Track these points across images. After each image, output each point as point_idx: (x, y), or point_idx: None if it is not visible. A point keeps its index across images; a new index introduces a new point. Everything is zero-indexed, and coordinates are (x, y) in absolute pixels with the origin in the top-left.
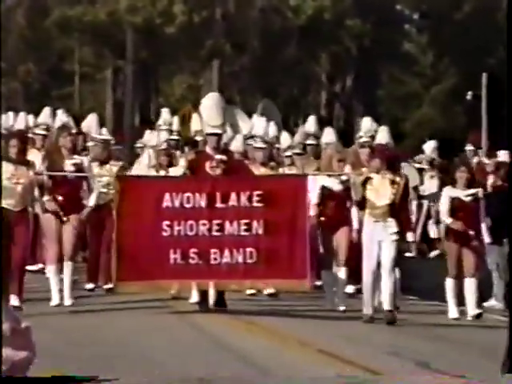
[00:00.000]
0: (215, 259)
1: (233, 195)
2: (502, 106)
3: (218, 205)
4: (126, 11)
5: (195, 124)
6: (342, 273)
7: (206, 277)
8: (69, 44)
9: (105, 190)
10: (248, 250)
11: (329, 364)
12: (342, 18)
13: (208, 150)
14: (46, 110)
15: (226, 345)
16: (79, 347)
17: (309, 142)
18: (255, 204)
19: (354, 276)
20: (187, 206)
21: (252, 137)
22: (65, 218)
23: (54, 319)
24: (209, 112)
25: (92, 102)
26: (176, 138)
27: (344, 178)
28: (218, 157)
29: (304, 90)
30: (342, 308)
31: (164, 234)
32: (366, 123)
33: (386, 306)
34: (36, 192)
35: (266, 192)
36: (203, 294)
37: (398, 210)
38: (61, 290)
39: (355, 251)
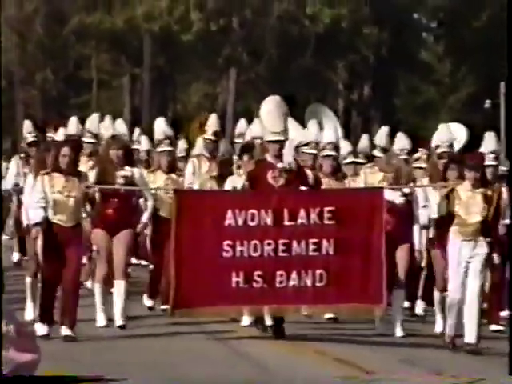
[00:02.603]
0: (281, 282)
1: (302, 212)
2: None
3: (286, 222)
4: (143, 18)
5: (255, 129)
6: (401, 296)
7: (271, 302)
8: (86, 51)
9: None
10: (317, 272)
11: None
12: (359, 27)
13: (269, 158)
14: (95, 117)
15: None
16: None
17: (375, 153)
18: (326, 221)
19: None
20: (251, 223)
21: (306, 144)
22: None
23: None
24: (270, 117)
25: (109, 110)
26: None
27: (407, 190)
28: (280, 165)
29: (321, 98)
30: (399, 334)
31: (225, 254)
32: (443, 130)
33: (469, 338)
34: (88, 207)
35: (338, 208)
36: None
37: (490, 228)
38: (106, 310)
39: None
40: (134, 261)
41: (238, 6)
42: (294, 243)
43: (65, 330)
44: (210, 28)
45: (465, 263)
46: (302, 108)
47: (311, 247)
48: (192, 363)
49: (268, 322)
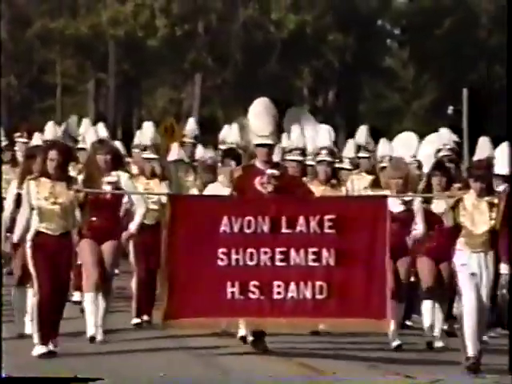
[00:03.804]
0: (279, 294)
1: (301, 219)
2: (483, 120)
3: (284, 230)
4: (108, 24)
5: (232, 134)
6: (400, 309)
7: (268, 314)
8: (50, 56)
9: (156, 207)
10: (317, 283)
11: None
12: (324, 33)
13: (257, 163)
14: (73, 120)
15: None
16: None
17: (360, 154)
18: (326, 230)
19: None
20: (248, 231)
21: (291, 150)
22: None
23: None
24: (257, 120)
25: (74, 115)
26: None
27: (407, 198)
28: (270, 171)
29: (286, 103)
30: (394, 343)
31: (220, 263)
32: (444, 134)
33: (471, 350)
34: (77, 213)
35: (339, 216)
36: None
37: (498, 237)
38: (96, 321)
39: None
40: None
41: (203, 11)
42: (293, 252)
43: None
44: (175, 33)
45: (475, 276)
46: None
47: (310, 257)
48: (173, 379)
49: (243, 331)
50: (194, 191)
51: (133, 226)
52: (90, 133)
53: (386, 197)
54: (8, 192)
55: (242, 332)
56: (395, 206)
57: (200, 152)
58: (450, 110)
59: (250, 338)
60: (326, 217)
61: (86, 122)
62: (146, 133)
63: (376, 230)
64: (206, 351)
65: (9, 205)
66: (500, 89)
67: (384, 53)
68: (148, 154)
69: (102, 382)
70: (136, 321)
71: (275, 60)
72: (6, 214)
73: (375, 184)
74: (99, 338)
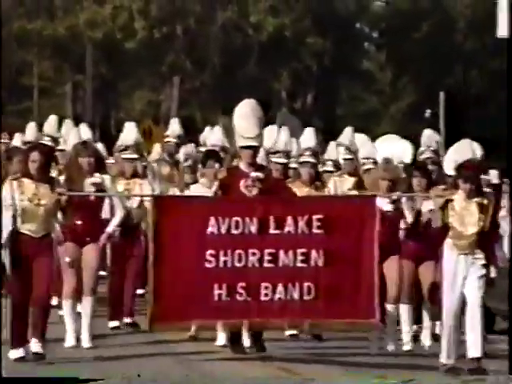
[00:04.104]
0: (266, 295)
1: (289, 220)
2: (460, 124)
3: (272, 231)
4: (86, 26)
5: (215, 136)
6: (393, 311)
7: (255, 316)
8: (28, 58)
9: (135, 208)
10: (305, 284)
11: None
12: (303, 36)
13: (242, 165)
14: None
15: None
16: None
17: (343, 156)
18: (315, 230)
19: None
20: (235, 232)
21: (276, 152)
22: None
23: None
24: (243, 121)
25: (53, 115)
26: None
27: (395, 197)
28: (254, 174)
29: (265, 106)
30: (391, 347)
31: (207, 265)
32: (428, 135)
33: (473, 352)
34: (59, 215)
35: (328, 216)
36: (235, 333)
37: (486, 239)
38: (77, 329)
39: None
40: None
41: (182, 14)
42: (281, 253)
43: (35, 346)
44: (153, 36)
45: (462, 278)
46: None
47: (299, 258)
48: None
49: (222, 340)
50: (176, 191)
51: (109, 229)
52: (72, 134)
53: (374, 196)
54: None
55: (220, 341)
56: (384, 205)
57: (183, 152)
58: (428, 113)
59: (222, 342)
60: (315, 217)
61: (67, 123)
62: (127, 133)
63: (365, 230)
64: (189, 356)
65: None
66: (476, 92)
67: (362, 56)
68: (129, 154)
69: (101, 382)
70: (113, 324)
71: (254, 63)
72: None
73: (358, 186)
74: (86, 344)
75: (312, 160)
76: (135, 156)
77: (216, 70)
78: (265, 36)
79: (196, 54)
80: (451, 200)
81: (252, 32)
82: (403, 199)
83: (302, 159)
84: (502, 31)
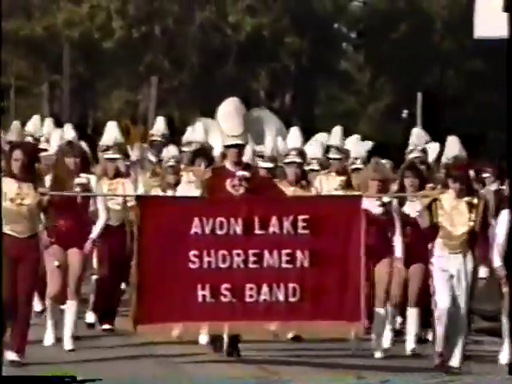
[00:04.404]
0: (251, 296)
1: (273, 220)
2: (437, 124)
3: (256, 231)
4: (64, 25)
5: (198, 134)
6: (381, 314)
7: (240, 317)
8: (4, 57)
9: (119, 208)
10: (290, 285)
11: None
12: (281, 36)
13: (228, 165)
14: (36, 119)
15: None
16: None
17: (332, 155)
18: (300, 231)
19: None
20: (219, 232)
21: (262, 156)
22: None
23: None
24: (227, 120)
25: (28, 117)
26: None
27: (386, 199)
28: (240, 173)
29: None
30: (378, 355)
31: (191, 266)
32: (417, 134)
33: (454, 361)
34: (41, 216)
35: (313, 216)
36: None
37: (476, 239)
38: (55, 329)
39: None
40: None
41: (160, 13)
42: (266, 254)
43: (11, 355)
44: (131, 35)
45: (452, 277)
46: None
47: (284, 258)
48: None
49: (204, 339)
50: (158, 191)
51: (93, 235)
52: (56, 134)
53: (360, 196)
54: None
55: (203, 339)
56: (374, 207)
57: (166, 152)
58: (405, 113)
59: (205, 341)
60: (300, 217)
61: (48, 122)
62: (108, 133)
63: (351, 231)
64: (169, 358)
65: None
66: (453, 92)
67: (340, 56)
68: (111, 154)
69: (100, 382)
70: (90, 320)
71: (232, 62)
72: None
73: (347, 185)
74: (67, 346)
75: (298, 160)
76: (117, 156)
77: (194, 69)
78: (243, 36)
79: (174, 53)
80: (439, 199)
81: (230, 32)
82: (394, 201)
83: (287, 159)
84: (478, 32)
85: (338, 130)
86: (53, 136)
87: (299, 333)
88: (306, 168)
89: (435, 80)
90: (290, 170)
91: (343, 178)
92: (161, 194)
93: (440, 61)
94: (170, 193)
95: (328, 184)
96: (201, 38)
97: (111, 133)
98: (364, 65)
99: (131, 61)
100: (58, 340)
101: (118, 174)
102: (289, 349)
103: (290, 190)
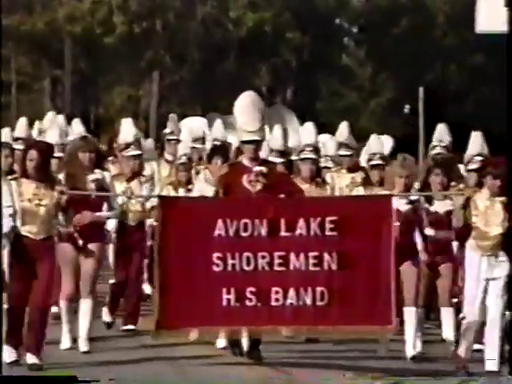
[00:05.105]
0: (277, 300)
1: (300, 221)
2: (439, 119)
3: (282, 233)
4: (65, 20)
5: (216, 131)
6: (411, 314)
7: (265, 322)
8: (4, 53)
9: (137, 208)
10: (318, 289)
11: None
12: (282, 31)
13: (244, 160)
14: (50, 116)
15: None
16: None
17: (341, 152)
18: (328, 233)
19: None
20: (244, 234)
21: (272, 151)
22: (81, 242)
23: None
24: (244, 114)
25: (30, 113)
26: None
27: (413, 197)
28: (257, 168)
29: None
30: (408, 356)
31: (215, 268)
32: (441, 130)
33: (491, 365)
34: (61, 217)
35: (342, 218)
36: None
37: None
38: (72, 330)
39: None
40: None
41: (162, 8)
42: (292, 256)
43: (30, 358)
44: (132, 31)
45: (484, 281)
46: (226, 112)
47: (311, 261)
48: None
49: (222, 343)
50: (169, 189)
51: (103, 213)
52: (55, 129)
53: (390, 196)
54: None
55: (221, 343)
56: (401, 205)
57: (180, 149)
58: (407, 108)
59: (222, 345)
60: (328, 218)
61: (49, 115)
62: (126, 129)
63: (381, 232)
64: (185, 360)
65: None
66: (455, 88)
67: (341, 51)
68: (133, 151)
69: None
70: (106, 319)
71: (233, 58)
72: None
73: (366, 182)
74: (83, 348)
75: (313, 156)
76: (139, 152)
77: (195, 65)
78: (244, 31)
79: (175, 49)
80: (473, 199)
81: (232, 27)
82: (421, 198)
83: (302, 155)
84: (480, 27)
85: (344, 126)
86: (50, 131)
87: (327, 337)
88: (321, 165)
89: (437, 75)
90: (304, 167)
91: (354, 174)
92: (172, 192)
93: (442, 56)
94: (181, 191)
95: (339, 181)
96: (202, 34)
97: (129, 129)
98: (365, 60)
99: (133, 56)
100: (74, 341)
101: (136, 173)
102: (306, 350)
103: (304, 187)
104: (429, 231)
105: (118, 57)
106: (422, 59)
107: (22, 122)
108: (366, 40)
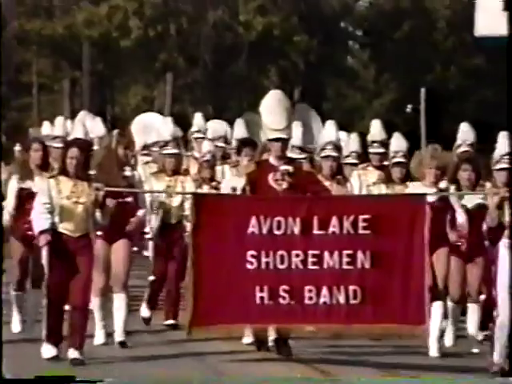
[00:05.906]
0: (311, 299)
1: (334, 220)
2: (440, 119)
3: (316, 231)
4: (83, 25)
5: (238, 130)
6: (438, 308)
7: (299, 320)
8: (26, 56)
9: (176, 205)
10: (351, 287)
11: None
12: (290, 34)
13: (271, 159)
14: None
15: None
16: None
17: (374, 150)
18: (361, 231)
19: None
20: (277, 232)
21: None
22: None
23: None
24: (270, 113)
25: (50, 112)
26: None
27: (443, 187)
28: (284, 167)
29: (253, 102)
30: (435, 354)
31: (249, 266)
32: (465, 129)
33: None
34: (98, 214)
35: (375, 216)
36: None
37: None
38: (105, 326)
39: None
40: None
41: (175, 13)
42: (326, 255)
43: (72, 353)
44: (147, 34)
45: None
46: (236, 112)
47: (345, 260)
48: None
49: (249, 338)
50: (191, 185)
51: (139, 213)
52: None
53: (424, 195)
54: (9, 188)
55: (247, 339)
56: (430, 197)
57: (205, 146)
58: (409, 108)
59: (249, 340)
60: (361, 217)
61: (81, 115)
62: (164, 127)
63: (414, 230)
64: (210, 356)
65: (10, 201)
66: (455, 88)
67: (346, 54)
68: (171, 149)
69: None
70: (145, 314)
71: (243, 60)
72: (9, 209)
73: (387, 179)
74: (118, 338)
75: (334, 154)
76: (177, 151)
77: (207, 67)
78: (254, 35)
79: (188, 51)
80: (507, 198)
81: (242, 31)
82: (451, 189)
83: (323, 153)
84: (479, 31)
85: (377, 124)
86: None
87: (361, 336)
88: (344, 161)
89: (438, 76)
90: (325, 164)
91: (381, 172)
92: (196, 189)
93: (442, 58)
94: (205, 188)
95: (366, 179)
96: (213, 37)
97: (167, 127)
98: (369, 62)
99: (147, 59)
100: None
101: (177, 171)
102: (335, 345)
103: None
104: (460, 215)
105: (134, 59)
106: (423, 61)
107: (60, 120)
108: (370, 43)
